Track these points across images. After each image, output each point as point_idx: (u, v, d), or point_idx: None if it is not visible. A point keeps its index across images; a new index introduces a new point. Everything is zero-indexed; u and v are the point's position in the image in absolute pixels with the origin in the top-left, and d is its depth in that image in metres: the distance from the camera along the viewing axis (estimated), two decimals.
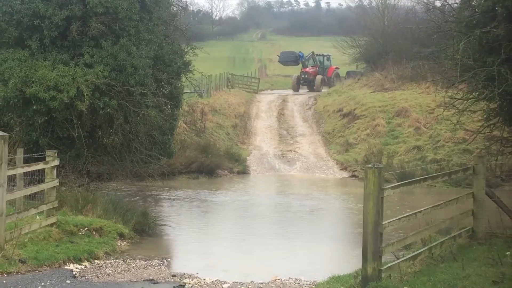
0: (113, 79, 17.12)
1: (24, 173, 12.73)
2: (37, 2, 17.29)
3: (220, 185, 25.33)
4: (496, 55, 13.87)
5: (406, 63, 40.93)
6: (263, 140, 34.53)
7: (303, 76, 53.42)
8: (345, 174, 28.43)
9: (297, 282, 10.40)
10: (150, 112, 17.73)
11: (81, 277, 10.15)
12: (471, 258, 9.80)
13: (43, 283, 9.32)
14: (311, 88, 52.20)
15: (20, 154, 13.74)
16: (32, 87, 16.43)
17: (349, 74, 53.47)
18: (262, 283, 10.26)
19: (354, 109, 35.38)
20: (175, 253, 13.90)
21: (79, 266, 10.89)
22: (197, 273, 11.02)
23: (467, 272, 8.87)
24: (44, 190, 12.26)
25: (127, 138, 18.06)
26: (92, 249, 11.88)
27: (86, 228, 12.88)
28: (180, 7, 23.54)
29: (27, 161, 14.11)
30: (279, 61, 58.42)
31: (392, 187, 8.90)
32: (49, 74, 16.53)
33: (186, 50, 21.59)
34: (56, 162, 12.24)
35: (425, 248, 9.71)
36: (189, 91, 26.48)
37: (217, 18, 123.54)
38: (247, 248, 14.48)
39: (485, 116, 17.29)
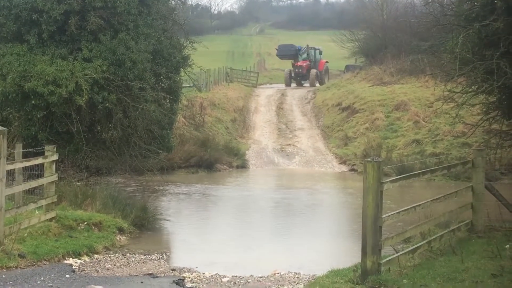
0: (112, 73, 17.10)
1: (23, 167, 12.73)
2: None
3: (219, 179, 25.33)
4: (495, 48, 13.85)
5: (405, 56, 40.83)
6: (262, 134, 34.52)
7: (296, 70, 51.30)
8: (344, 168, 28.44)
9: (297, 276, 10.41)
10: (149, 106, 17.72)
11: (81, 271, 10.15)
12: (470, 251, 9.81)
13: (42, 278, 9.33)
14: (299, 83, 50.65)
15: (19, 148, 13.73)
16: (30, 81, 16.42)
17: (348, 68, 53.30)
18: (261, 277, 10.28)
19: (353, 103, 35.34)
20: (174, 247, 13.92)
21: (79, 261, 10.89)
22: (197, 267, 11.03)
23: (466, 265, 8.88)
24: (43, 184, 12.26)
25: (126, 132, 18.05)
26: (92, 243, 11.88)
27: (85, 223, 12.88)
28: (178, 1, 23.52)
29: (26, 155, 14.11)
30: (277, 55, 56.06)
31: (391, 181, 8.90)
32: (48, 68, 16.51)
33: (185, 44, 21.56)
34: (55, 157, 12.23)
35: (425, 241, 9.72)
36: (188, 85, 26.43)
37: (215, 12, 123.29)
38: (246, 242, 14.49)
39: (484, 109, 17.27)
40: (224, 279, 10.06)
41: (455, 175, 22.52)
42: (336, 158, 29.79)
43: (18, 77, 16.55)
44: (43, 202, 12.02)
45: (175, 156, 25.19)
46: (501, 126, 17.17)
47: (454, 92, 17.04)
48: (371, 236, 8.24)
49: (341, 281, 8.57)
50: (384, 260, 8.52)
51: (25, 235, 11.05)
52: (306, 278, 10.15)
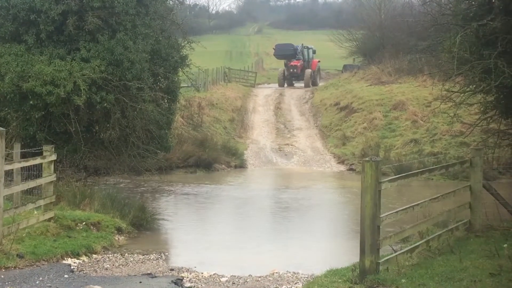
0: (110, 73, 17.09)
1: (21, 168, 12.72)
2: None
3: (218, 179, 25.32)
4: (493, 48, 13.87)
5: (403, 56, 40.90)
6: (260, 134, 34.53)
7: (291, 70, 49.73)
8: (342, 167, 28.44)
9: (295, 275, 10.42)
10: (147, 106, 17.71)
11: (79, 271, 10.16)
12: (468, 250, 9.82)
13: (41, 278, 9.33)
14: (291, 83, 49.62)
15: (17, 149, 13.73)
16: (28, 82, 16.42)
17: (345, 67, 53.29)
18: (260, 277, 10.29)
19: (351, 103, 35.36)
20: (173, 247, 13.92)
21: (77, 261, 10.90)
22: (195, 267, 11.04)
23: (465, 264, 8.89)
24: (41, 185, 12.26)
25: (124, 132, 18.04)
26: (90, 243, 11.89)
27: (84, 223, 12.89)
28: (176, 1, 23.47)
29: (24, 156, 14.11)
30: (274, 55, 54.15)
31: (390, 180, 8.91)
32: (46, 68, 16.50)
33: (183, 44, 21.53)
34: (54, 157, 12.24)
35: (423, 241, 9.74)
36: (186, 85, 26.42)
37: (213, 12, 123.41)
38: (245, 241, 14.50)
39: (482, 109, 17.29)
40: (223, 279, 10.07)
41: (453, 174, 22.50)
42: (334, 157, 29.80)
43: (16, 77, 16.54)
44: (41, 202, 12.03)
45: (173, 156, 25.19)
46: (499, 125, 17.19)
47: (452, 91, 17.07)
48: (369, 236, 8.26)
49: (340, 280, 8.58)
50: (383, 260, 8.53)
51: (23, 235, 11.05)
52: (304, 277, 10.16)
